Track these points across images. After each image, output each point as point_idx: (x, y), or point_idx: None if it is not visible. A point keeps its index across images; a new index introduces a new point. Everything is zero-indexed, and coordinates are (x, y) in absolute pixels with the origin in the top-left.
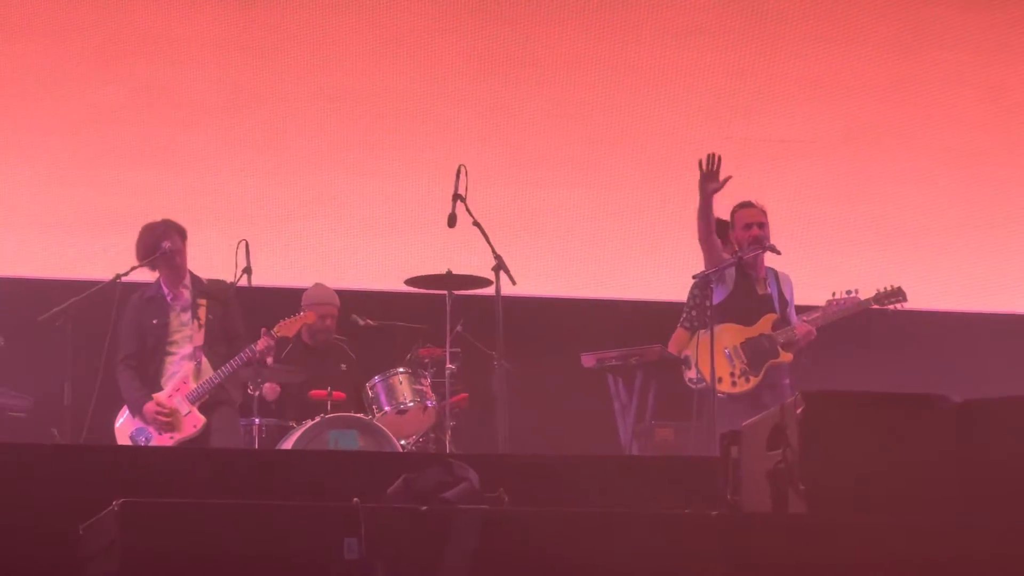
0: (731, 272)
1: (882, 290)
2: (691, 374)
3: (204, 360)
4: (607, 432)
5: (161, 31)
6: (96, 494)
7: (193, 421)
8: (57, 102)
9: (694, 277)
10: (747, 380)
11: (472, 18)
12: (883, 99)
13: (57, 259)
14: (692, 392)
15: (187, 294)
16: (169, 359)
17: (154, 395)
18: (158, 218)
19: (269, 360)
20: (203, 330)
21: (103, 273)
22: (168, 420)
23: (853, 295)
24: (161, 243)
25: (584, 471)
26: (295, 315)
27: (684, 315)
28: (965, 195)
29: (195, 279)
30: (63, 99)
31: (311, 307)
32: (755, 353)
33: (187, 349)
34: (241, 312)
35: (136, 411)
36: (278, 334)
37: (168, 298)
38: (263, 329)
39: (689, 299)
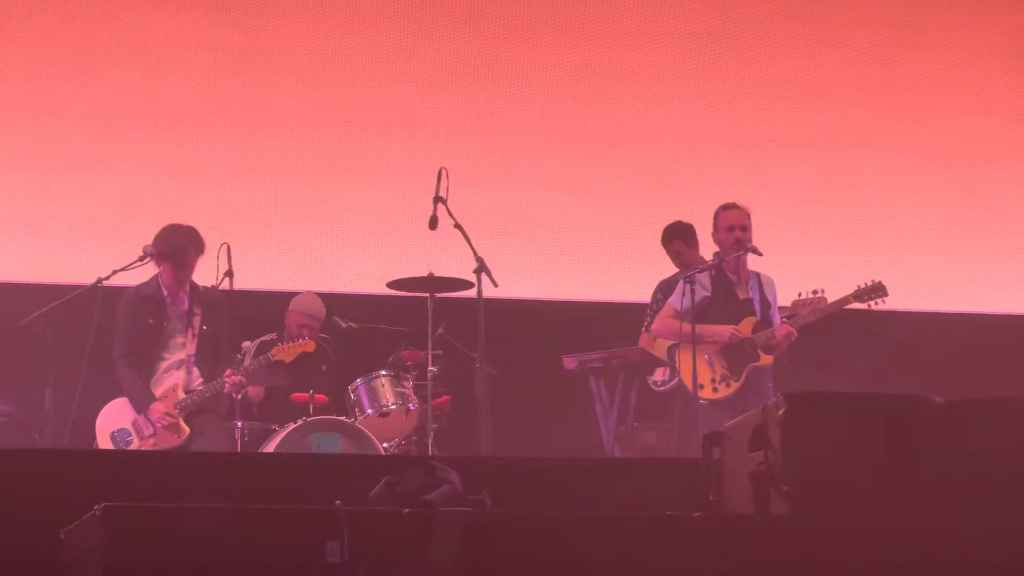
0: (707, 277)
1: (862, 286)
2: (655, 377)
3: (195, 371)
4: (589, 434)
5: (142, 37)
6: (78, 498)
7: (177, 432)
8: (36, 107)
9: (682, 279)
10: (728, 385)
11: (454, 22)
12: (865, 101)
13: (38, 263)
14: (675, 394)
15: (186, 301)
16: (160, 364)
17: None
18: (144, 222)
19: (238, 396)
20: (196, 340)
21: (84, 277)
22: (173, 423)
23: (819, 294)
24: (186, 251)
25: (566, 473)
26: (295, 340)
27: (648, 320)
28: (946, 197)
29: (194, 287)
30: (42, 104)
31: (292, 314)
32: (735, 357)
33: (179, 356)
34: (230, 327)
35: (141, 409)
36: (275, 357)
37: (167, 300)
38: (228, 370)
39: (652, 303)
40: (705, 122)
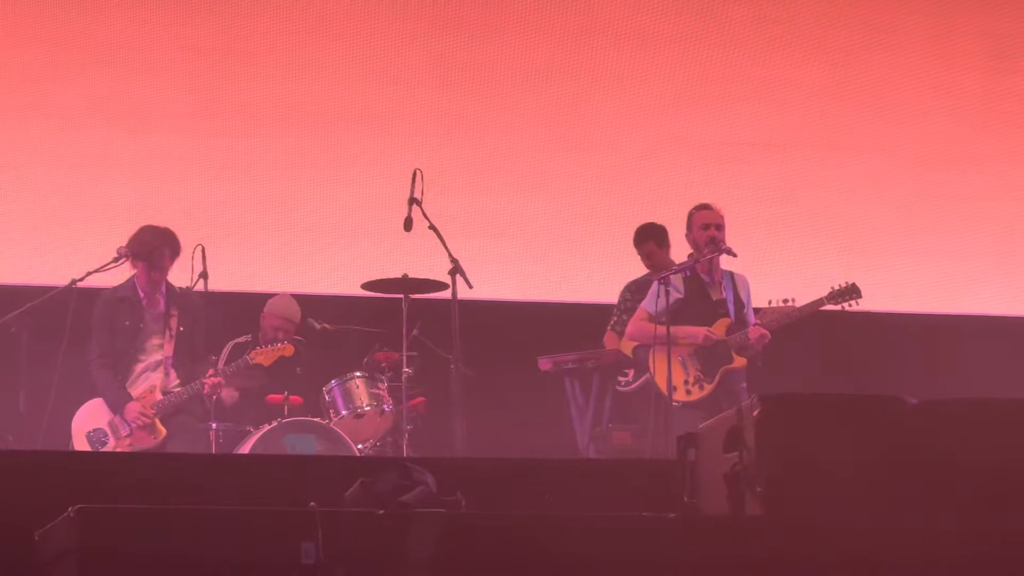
0: (679, 279)
1: (836, 288)
2: (622, 377)
3: (172, 373)
4: (564, 435)
5: (119, 36)
6: (52, 500)
7: (153, 432)
8: (12, 107)
9: (656, 281)
10: (701, 388)
11: (430, 24)
12: (839, 103)
13: (11, 265)
14: (648, 396)
15: (162, 302)
16: (136, 366)
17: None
18: (118, 223)
19: (213, 398)
20: (173, 341)
21: (58, 279)
22: (149, 423)
23: (789, 303)
24: (159, 252)
25: (541, 474)
26: (272, 343)
27: (615, 318)
28: (920, 198)
29: (170, 288)
30: (18, 104)
31: (267, 316)
32: (709, 359)
33: (156, 358)
34: (205, 329)
35: (117, 409)
36: (253, 361)
37: (143, 302)
38: (211, 371)
39: (620, 303)
40: (679, 124)
